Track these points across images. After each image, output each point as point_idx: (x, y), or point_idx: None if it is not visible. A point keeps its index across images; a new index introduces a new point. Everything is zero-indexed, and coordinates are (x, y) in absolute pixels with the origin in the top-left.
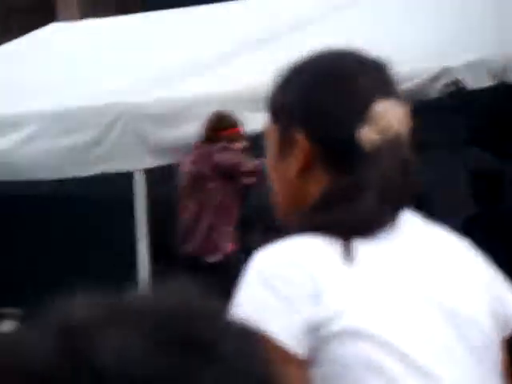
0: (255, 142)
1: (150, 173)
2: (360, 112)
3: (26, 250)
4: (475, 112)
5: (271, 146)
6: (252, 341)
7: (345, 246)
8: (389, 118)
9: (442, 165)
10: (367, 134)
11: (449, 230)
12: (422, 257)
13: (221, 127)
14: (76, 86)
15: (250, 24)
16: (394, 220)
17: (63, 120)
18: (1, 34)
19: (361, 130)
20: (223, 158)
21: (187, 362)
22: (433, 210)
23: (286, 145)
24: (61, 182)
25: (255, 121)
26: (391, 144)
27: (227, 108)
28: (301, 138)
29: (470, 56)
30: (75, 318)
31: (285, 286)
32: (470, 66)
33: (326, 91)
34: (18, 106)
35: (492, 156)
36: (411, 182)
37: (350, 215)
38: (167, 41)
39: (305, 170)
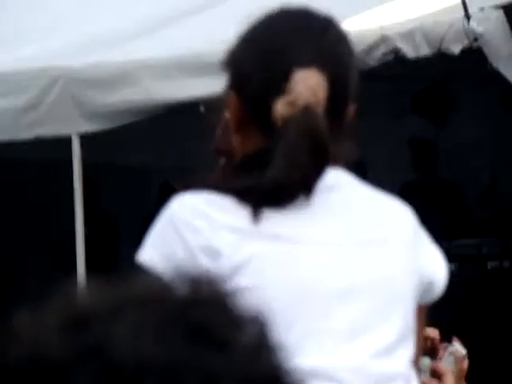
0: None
1: (87, 138)
2: (279, 81)
3: None
4: (414, 80)
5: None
6: (264, 331)
7: (253, 210)
8: (300, 89)
9: (383, 132)
10: (278, 106)
11: (387, 194)
12: (337, 224)
13: None
14: (11, 48)
15: None
16: (307, 189)
17: None
18: None
19: (275, 100)
20: None
21: (200, 352)
22: (372, 176)
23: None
24: None
25: (196, 86)
26: (299, 116)
27: (166, 74)
28: (232, 97)
29: (409, 25)
30: (84, 307)
31: (191, 235)
32: (409, 35)
33: (251, 57)
34: None
35: (429, 124)
36: (324, 152)
37: (259, 183)
38: (106, 3)
39: (239, 127)
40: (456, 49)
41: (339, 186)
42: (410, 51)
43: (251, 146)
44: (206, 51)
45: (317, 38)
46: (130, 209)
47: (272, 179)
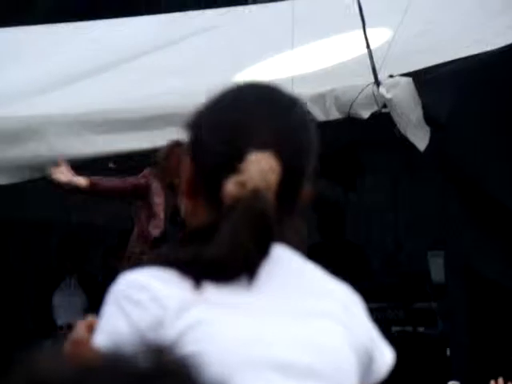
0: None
1: None
2: (233, 159)
3: None
4: (323, 143)
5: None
6: None
7: (194, 282)
8: (252, 172)
9: None
10: (229, 185)
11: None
12: (280, 295)
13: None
14: None
15: (99, 48)
16: (250, 271)
17: None
18: None
19: (227, 177)
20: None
21: None
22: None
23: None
24: None
25: (96, 143)
26: (247, 199)
27: (67, 129)
28: (187, 162)
29: (319, 88)
30: (48, 375)
31: (134, 309)
32: (319, 99)
33: (210, 129)
34: None
35: (337, 187)
36: (268, 236)
37: (199, 258)
38: (14, 57)
39: (191, 192)
40: (365, 114)
41: (281, 259)
42: (320, 115)
43: (199, 215)
44: (114, 108)
45: (278, 121)
46: (30, 263)
47: (213, 256)
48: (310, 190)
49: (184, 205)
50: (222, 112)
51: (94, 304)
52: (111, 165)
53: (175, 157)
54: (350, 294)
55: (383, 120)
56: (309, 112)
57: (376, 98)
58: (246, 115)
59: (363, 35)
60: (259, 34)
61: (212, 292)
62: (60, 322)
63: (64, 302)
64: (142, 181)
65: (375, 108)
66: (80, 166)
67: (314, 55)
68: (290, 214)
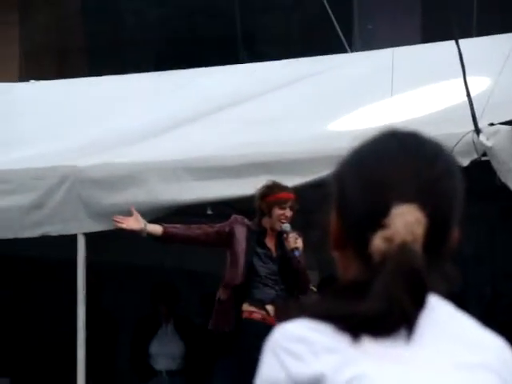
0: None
1: (91, 237)
2: (378, 215)
3: None
4: None
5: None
6: None
7: (352, 336)
8: (398, 226)
9: None
10: (375, 240)
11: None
12: (439, 346)
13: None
14: (21, 147)
15: (198, 96)
16: (409, 325)
17: (5, 181)
18: None
19: (373, 233)
20: None
21: None
22: None
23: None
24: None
25: (195, 189)
26: (395, 254)
27: (167, 175)
28: (333, 216)
29: None
30: None
31: (292, 361)
32: None
33: (354, 185)
34: None
35: None
36: (423, 289)
37: (357, 313)
38: (115, 105)
39: (338, 245)
40: (465, 161)
41: (435, 309)
42: None
43: (348, 268)
44: (212, 155)
45: (422, 172)
46: (129, 309)
47: (370, 311)
48: (458, 235)
49: (334, 257)
50: (364, 165)
51: (190, 349)
52: (209, 211)
53: (266, 203)
54: (507, 347)
55: (481, 168)
56: (454, 158)
57: (476, 145)
58: (389, 168)
59: (463, 83)
60: (358, 82)
61: (371, 346)
62: (158, 367)
63: (162, 350)
64: (227, 228)
65: (475, 156)
66: (177, 211)
67: (413, 103)
68: (439, 262)
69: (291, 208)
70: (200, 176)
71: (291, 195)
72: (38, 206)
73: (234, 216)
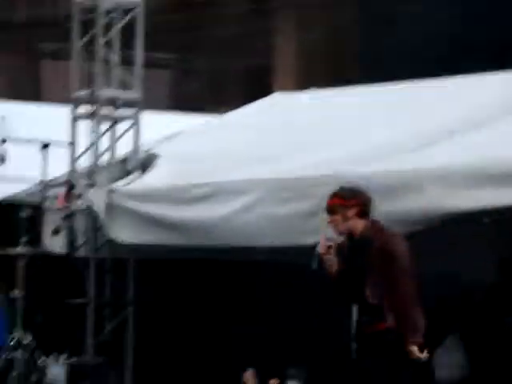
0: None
1: None
2: None
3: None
4: None
5: None
6: None
7: None
8: None
9: None
10: None
11: None
12: None
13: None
14: (294, 156)
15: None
16: None
17: (281, 189)
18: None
19: None
20: None
21: None
22: None
23: None
24: (271, 250)
25: (473, 197)
26: None
27: (449, 183)
28: None
29: None
30: None
31: None
32: None
33: None
34: (239, 174)
35: None
36: None
37: None
38: (388, 114)
39: None
40: None
41: None
42: None
43: None
44: (491, 163)
45: None
46: None
47: None
48: None
49: None
50: None
51: None
52: (486, 220)
53: None
54: None
55: None
56: None
57: None
58: None
59: None
60: None
61: None
62: None
63: None
64: None
65: None
66: (450, 220)
67: None
68: None
69: None
70: (478, 184)
71: None
72: (311, 214)
73: None
